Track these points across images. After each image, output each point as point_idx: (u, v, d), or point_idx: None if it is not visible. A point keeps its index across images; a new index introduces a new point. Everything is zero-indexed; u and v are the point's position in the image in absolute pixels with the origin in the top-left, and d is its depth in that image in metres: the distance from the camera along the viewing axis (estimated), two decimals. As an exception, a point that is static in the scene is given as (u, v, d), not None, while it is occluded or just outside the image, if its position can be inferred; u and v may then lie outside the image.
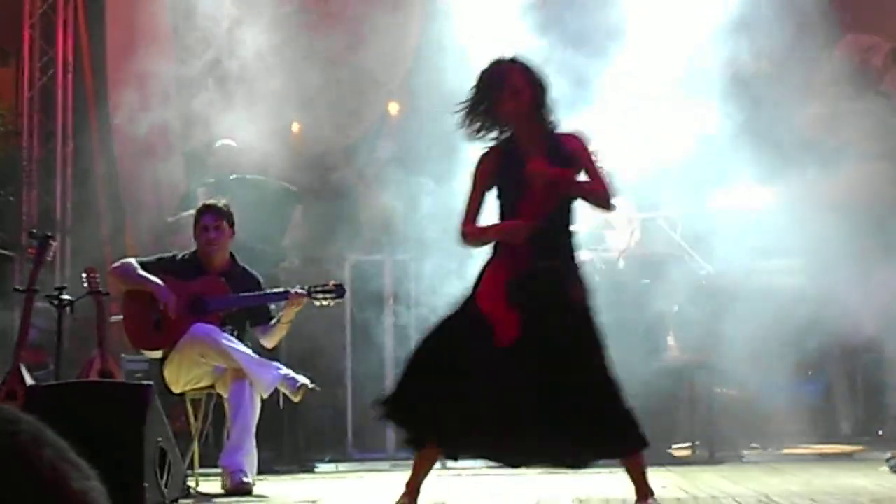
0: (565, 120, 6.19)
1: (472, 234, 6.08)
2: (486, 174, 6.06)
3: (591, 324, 5.91)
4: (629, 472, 6.04)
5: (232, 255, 8.05)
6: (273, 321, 7.88)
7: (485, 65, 6.09)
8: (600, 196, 5.97)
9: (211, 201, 8.20)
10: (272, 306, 7.95)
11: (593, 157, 6.02)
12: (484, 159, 6.08)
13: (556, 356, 5.79)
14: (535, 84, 6.00)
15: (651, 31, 10.74)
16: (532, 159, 5.87)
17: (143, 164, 11.83)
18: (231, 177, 10.42)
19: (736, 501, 6.68)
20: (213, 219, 7.95)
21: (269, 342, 7.91)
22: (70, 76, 11.90)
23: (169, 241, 10.77)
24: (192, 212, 8.44)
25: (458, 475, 8.50)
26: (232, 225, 8.01)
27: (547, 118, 6.01)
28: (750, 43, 10.82)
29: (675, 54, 10.66)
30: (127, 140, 11.85)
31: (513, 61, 6.05)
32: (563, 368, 5.78)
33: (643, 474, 6.02)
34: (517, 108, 5.94)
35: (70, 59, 11.90)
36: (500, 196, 6.05)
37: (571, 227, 6.06)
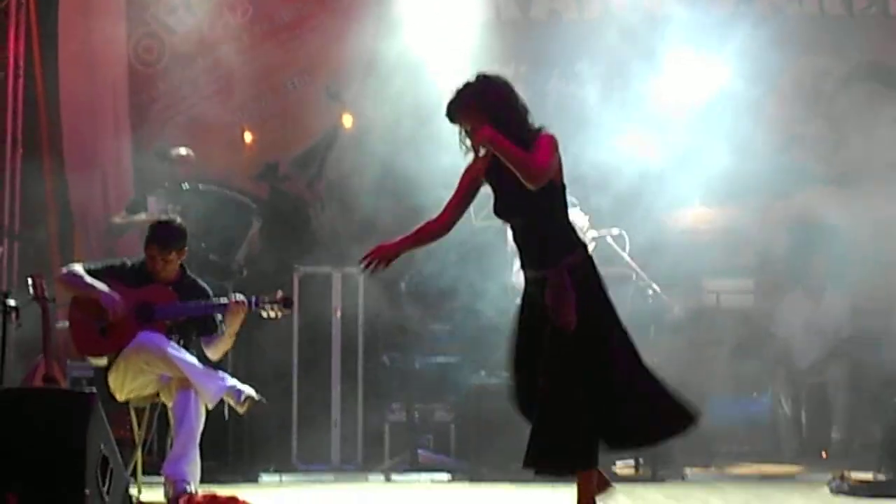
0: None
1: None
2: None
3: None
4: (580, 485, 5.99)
5: (182, 266, 7.94)
6: (219, 332, 7.82)
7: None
8: (521, 161, 5.86)
9: (165, 221, 7.99)
10: (219, 317, 7.87)
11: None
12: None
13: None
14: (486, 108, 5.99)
15: (606, 54, 10.81)
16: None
17: (93, 171, 11.76)
18: (184, 186, 10.28)
19: (678, 520, 6.71)
20: (163, 251, 7.80)
21: (214, 353, 7.84)
22: (21, 80, 11.79)
23: (114, 242, 10.67)
24: (144, 217, 8.30)
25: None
26: (183, 248, 7.87)
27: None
28: (704, 66, 10.91)
29: (627, 79, 10.73)
30: (76, 145, 11.79)
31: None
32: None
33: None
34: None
35: (21, 63, 11.79)
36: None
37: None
